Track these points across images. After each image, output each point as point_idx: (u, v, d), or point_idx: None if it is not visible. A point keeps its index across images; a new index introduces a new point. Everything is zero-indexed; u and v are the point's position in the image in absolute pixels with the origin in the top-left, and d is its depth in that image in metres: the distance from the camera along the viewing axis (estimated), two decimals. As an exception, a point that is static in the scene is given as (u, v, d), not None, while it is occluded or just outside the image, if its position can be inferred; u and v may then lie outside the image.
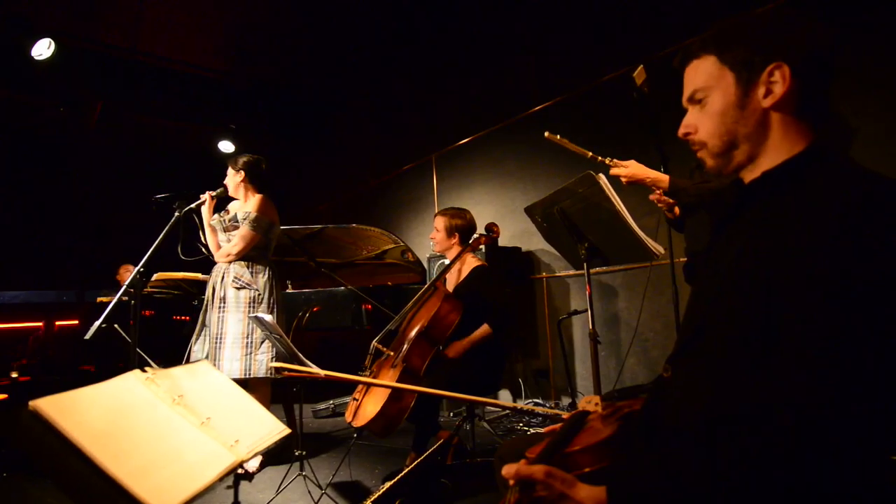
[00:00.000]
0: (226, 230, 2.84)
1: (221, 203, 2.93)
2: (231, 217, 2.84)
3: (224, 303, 2.73)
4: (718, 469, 0.68)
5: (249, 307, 2.72)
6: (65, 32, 4.74)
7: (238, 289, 2.74)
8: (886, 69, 2.54)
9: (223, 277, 2.77)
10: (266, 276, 2.83)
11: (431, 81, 5.43)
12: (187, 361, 2.72)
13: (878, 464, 0.66)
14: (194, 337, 2.79)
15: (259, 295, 2.77)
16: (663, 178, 2.03)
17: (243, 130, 6.25)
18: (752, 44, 0.83)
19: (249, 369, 2.65)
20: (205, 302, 2.82)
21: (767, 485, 0.64)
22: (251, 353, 2.68)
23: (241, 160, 2.92)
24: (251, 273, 2.79)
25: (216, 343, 2.68)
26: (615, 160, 2.04)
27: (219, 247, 2.88)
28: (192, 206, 2.72)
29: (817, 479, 0.62)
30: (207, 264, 2.97)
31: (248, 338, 2.69)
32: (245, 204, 2.90)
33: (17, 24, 4.43)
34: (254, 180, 2.93)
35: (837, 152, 0.80)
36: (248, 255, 2.80)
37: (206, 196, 2.82)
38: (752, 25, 0.84)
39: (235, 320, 2.70)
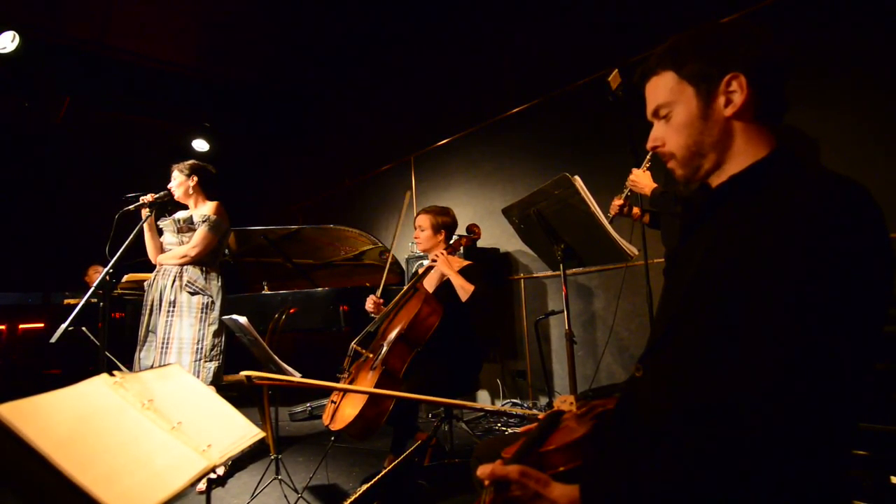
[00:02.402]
0: (179, 231, 2.77)
1: (161, 208, 2.78)
2: (186, 219, 2.76)
3: (174, 307, 2.65)
4: (688, 466, 0.69)
5: (202, 313, 2.67)
6: (30, 25, 4.57)
7: (192, 294, 2.67)
8: (855, 76, 2.62)
9: (174, 280, 2.68)
10: (219, 282, 2.79)
11: (410, 82, 5.41)
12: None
13: (842, 458, 0.68)
14: (139, 345, 2.65)
15: (212, 301, 2.71)
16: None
17: (218, 129, 6.13)
18: (707, 57, 0.86)
19: (197, 377, 2.58)
20: (147, 306, 2.69)
21: (735, 481, 0.66)
22: (200, 360, 2.62)
23: (191, 165, 2.85)
24: (205, 278, 2.73)
25: (163, 348, 2.59)
26: (639, 169, 2.17)
27: (160, 249, 2.80)
28: (148, 201, 2.63)
29: (783, 474, 0.64)
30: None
31: (198, 343, 2.63)
32: (200, 208, 2.83)
33: (-21, 16, 4.28)
34: (205, 186, 2.87)
35: (801, 156, 0.82)
36: (202, 260, 2.74)
37: (148, 197, 2.68)
38: (705, 39, 0.87)
39: (186, 325, 2.63)
